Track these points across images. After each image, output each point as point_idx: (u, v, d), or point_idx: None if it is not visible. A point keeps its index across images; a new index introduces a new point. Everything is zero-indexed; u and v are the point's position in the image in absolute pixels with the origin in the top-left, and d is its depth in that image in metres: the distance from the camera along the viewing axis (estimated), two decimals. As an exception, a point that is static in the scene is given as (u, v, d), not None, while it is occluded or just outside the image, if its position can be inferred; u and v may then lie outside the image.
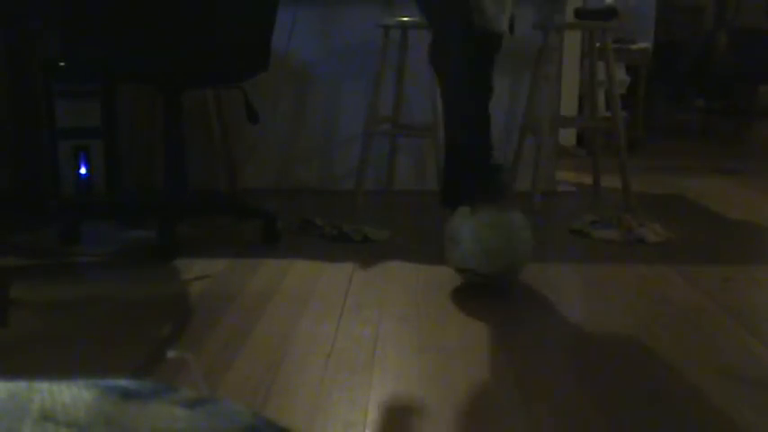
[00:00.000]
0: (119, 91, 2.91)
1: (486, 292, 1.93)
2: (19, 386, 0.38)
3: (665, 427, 1.21)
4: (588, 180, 3.53)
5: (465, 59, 2.26)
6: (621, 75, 4.95)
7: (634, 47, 4.93)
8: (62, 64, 2.72)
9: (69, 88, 2.78)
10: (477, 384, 1.37)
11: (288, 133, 3.41)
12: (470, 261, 1.87)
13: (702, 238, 2.56)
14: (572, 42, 4.45)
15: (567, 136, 4.66)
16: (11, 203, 2.65)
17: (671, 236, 2.53)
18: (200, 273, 2.07)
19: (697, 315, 1.77)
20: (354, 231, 2.52)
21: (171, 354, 1.46)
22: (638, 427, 1.21)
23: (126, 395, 0.39)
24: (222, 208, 2.78)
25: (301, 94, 3.38)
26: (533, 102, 3.14)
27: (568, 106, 4.43)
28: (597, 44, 3.23)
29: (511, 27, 2.49)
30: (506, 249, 1.86)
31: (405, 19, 2.98)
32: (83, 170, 2.82)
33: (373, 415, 1.24)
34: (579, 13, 3.21)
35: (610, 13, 3.20)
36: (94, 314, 1.74)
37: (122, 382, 0.40)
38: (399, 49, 3.11)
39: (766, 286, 2.00)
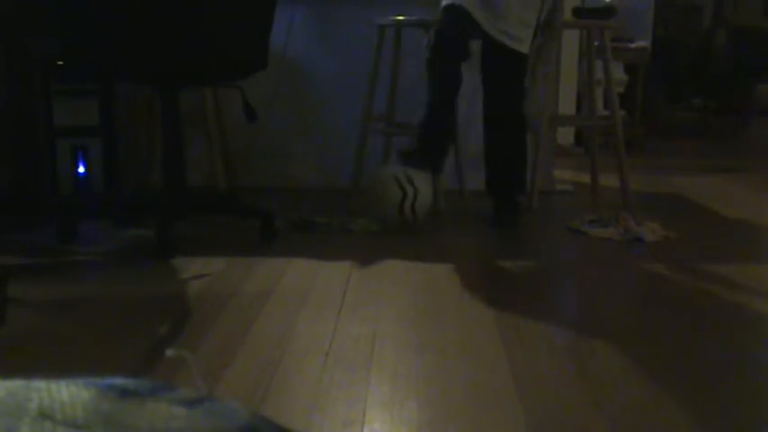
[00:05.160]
0: (117, 90, 2.91)
1: (484, 292, 1.93)
2: (17, 385, 0.38)
3: (665, 427, 1.21)
4: (586, 179, 3.53)
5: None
6: (620, 73, 4.95)
7: (632, 46, 4.93)
8: (60, 63, 2.72)
9: (67, 87, 2.77)
10: (476, 384, 1.37)
11: (285, 132, 3.41)
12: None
13: (701, 236, 2.56)
14: (570, 41, 4.45)
15: (566, 135, 4.66)
16: (9, 202, 2.64)
17: (669, 235, 2.53)
18: (199, 271, 2.07)
19: (695, 314, 1.77)
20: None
21: (169, 352, 1.46)
22: (638, 427, 1.21)
23: (124, 394, 0.39)
24: (220, 207, 2.77)
25: (298, 92, 3.38)
26: (531, 100, 3.13)
27: (566, 105, 4.43)
28: (595, 43, 3.23)
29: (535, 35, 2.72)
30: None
31: (400, 18, 2.98)
32: (81, 169, 2.82)
33: (371, 413, 1.24)
34: (577, 12, 3.22)
35: (608, 11, 3.20)
36: (92, 313, 1.74)
37: (120, 381, 0.40)
38: (394, 47, 3.12)
39: (765, 285, 2.01)
